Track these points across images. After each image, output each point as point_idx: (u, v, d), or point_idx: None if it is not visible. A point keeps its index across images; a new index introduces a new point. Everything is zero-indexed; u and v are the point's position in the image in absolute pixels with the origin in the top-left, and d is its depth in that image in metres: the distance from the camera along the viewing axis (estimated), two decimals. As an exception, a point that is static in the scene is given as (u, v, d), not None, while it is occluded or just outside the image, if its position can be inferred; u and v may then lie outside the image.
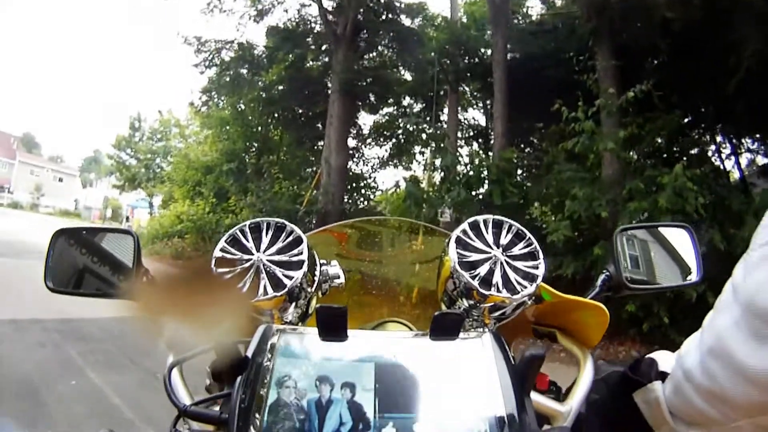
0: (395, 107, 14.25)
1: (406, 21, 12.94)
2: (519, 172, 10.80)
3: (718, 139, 9.39)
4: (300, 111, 14.21)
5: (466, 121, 13.75)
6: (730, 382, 0.52)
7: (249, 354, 0.60)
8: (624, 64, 7.53)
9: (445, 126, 11.75)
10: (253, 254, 0.71)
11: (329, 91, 12.13)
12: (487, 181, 8.32)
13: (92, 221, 33.55)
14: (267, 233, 0.74)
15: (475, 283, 0.70)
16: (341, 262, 0.83)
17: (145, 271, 0.81)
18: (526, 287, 0.70)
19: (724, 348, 0.52)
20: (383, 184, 14.57)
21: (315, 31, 13.45)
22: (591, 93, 7.19)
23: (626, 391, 0.67)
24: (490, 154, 9.61)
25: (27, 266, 8.67)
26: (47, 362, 4.33)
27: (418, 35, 12.29)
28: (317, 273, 0.77)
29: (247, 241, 0.73)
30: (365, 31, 12.75)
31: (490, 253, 0.72)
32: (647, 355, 0.68)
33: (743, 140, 9.57)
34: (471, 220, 0.76)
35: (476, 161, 8.66)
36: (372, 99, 13.70)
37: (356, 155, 14.61)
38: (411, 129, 13.21)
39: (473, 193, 8.48)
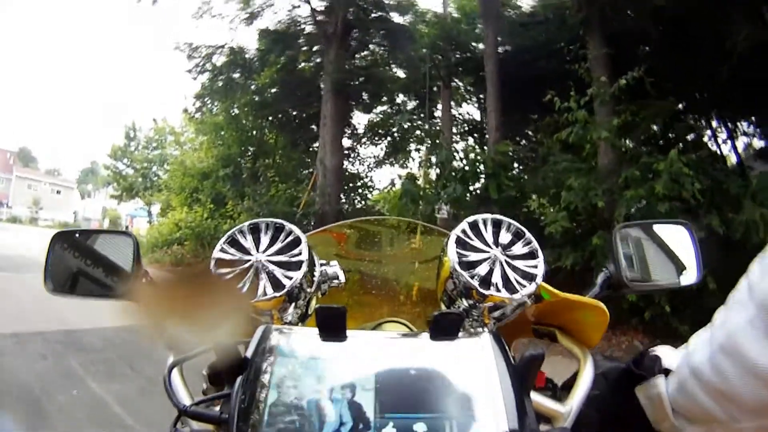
0: (389, 105, 14.24)
1: (396, 18, 12.92)
2: (516, 165, 10.81)
3: (714, 123, 9.41)
4: (294, 113, 14.23)
5: (460, 116, 13.73)
6: (740, 381, 0.51)
7: (248, 354, 0.60)
8: (616, 53, 7.53)
9: (439, 122, 11.74)
10: (252, 255, 0.71)
11: (322, 92, 12.11)
12: (483, 176, 8.29)
13: (92, 232, 33.52)
14: (266, 234, 0.75)
15: (475, 282, 0.70)
16: (341, 262, 0.84)
17: (145, 272, 0.82)
18: (525, 287, 0.70)
19: (736, 346, 0.51)
20: (380, 183, 14.55)
21: (306, 32, 13.43)
22: (583, 83, 7.19)
23: (628, 386, 0.67)
24: (486, 148, 9.59)
25: (27, 280, 8.79)
26: (49, 373, 4.37)
27: (409, 32, 12.26)
28: (317, 273, 0.78)
29: (247, 241, 0.73)
30: (356, 30, 12.72)
31: (489, 252, 0.73)
32: (650, 351, 0.68)
33: (739, 124, 9.59)
34: (470, 219, 0.76)
35: (471, 156, 8.64)
36: (365, 98, 13.71)
37: (352, 155, 14.64)
38: (405, 126, 13.22)
39: (470, 188, 8.47)
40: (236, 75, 13.77)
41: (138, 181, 27.09)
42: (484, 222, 0.76)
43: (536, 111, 9.73)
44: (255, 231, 0.75)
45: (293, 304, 0.71)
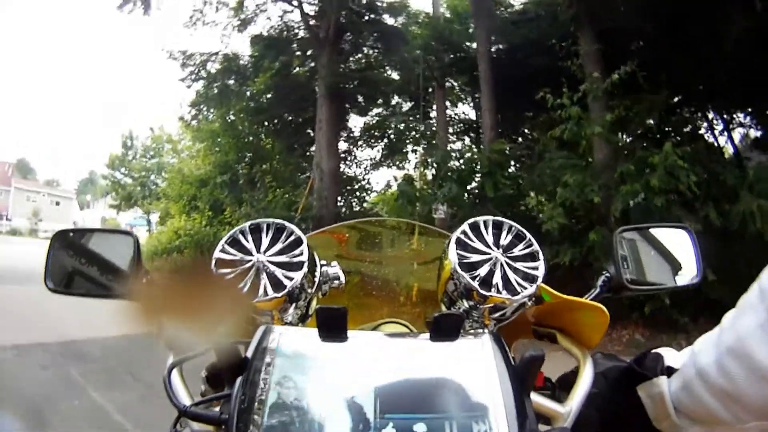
0: (384, 107, 14.24)
1: (389, 20, 12.94)
2: (512, 163, 10.82)
3: (710, 115, 9.41)
4: (290, 118, 14.22)
5: (456, 116, 13.75)
6: (747, 383, 0.52)
7: (249, 355, 0.60)
8: (608, 48, 7.55)
9: (434, 122, 11.75)
10: (253, 255, 0.71)
11: (317, 96, 12.11)
12: (479, 175, 8.30)
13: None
14: (267, 234, 0.74)
15: (475, 284, 0.70)
16: (341, 263, 0.83)
17: (146, 271, 0.81)
18: (526, 288, 0.70)
19: (745, 348, 0.52)
20: (378, 185, 14.54)
21: (299, 36, 13.46)
22: (577, 79, 7.20)
23: (629, 384, 0.67)
24: (482, 147, 9.60)
25: (29, 292, 8.86)
26: (50, 384, 4.39)
27: (402, 33, 12.28)
28: (317, 274, 0.77)
29: (247, 242, 0.73)
30: (349, 33, 12.77)
31: (490, 254, 0.73)
32: (652, 350, 0.68)
33: (735, 115, 9.59)
34: (471, 221, 0.76)
35: (466, 155, 8.65)
36: (360, 100, 13.72)
37: (348, 158, 14.62)
38: (401, 128, 13.23)
39: (467, 187, 8.48)
40: (231, 82, 13.78)
41: (136, 190, 27.13)
42: (485, 224, 0.76)
43: (531, 109, 9.77)
44: (256, 231, 0.75)
45: (294, 305, 0.71)
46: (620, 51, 7.61)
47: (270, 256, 0.71)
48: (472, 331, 0.68)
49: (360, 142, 14.81)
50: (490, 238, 0.75)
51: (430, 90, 12.02)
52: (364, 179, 14.61)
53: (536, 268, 0.72)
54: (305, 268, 0.71)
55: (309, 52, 13.32)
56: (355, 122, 14.65)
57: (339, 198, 12.72)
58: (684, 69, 7.75)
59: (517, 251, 0.74)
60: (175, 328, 0.59)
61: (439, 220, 8.43)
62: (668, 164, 5.97)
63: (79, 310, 7.21)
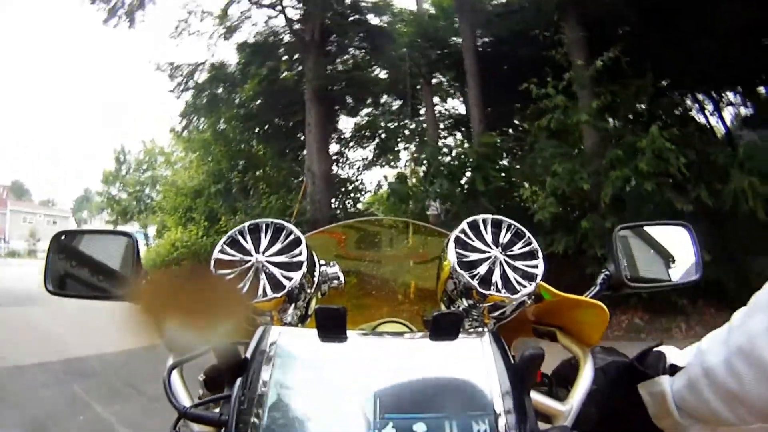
0: (374, 107, 14.27)
1: (373, 20, 12.97)
2: (505, 155, 10.83)
3: (701, 97, 9.44)
4: (281, 122, 14.24)
5: (446, 112, 13.77)
6: (755, 384, 0.52)
7: (248, 355, 0.60)
8: (594, 35, 7.57)
9: (423, 119, 11.76)
10: (252, 255, 0.71)
11: (305, 100, 12.12)
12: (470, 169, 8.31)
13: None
14: (266, 234, 0.74)
15: (475, 282, 0.70)
16: (340, 263, 0.84)
17: (145, 272, 0.81)
18: (525, 286, 0.70)
19: (755, 349, 0.52)
20: (371, 185, 14.52)
21: (284, 41, 13.47)
22: (562, 68, 7.20)
23: (630, 382, 0.68)
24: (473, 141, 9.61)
25: (29, 313, 9.05)
26: (54, 401, 4.42)
27: (388, 32, 12.31)
28: (316, 274, 0.76)
29: (246, 242, 0.73)
30: (334, 35, 12.77)
31: (489, 252, 0.73)
32: (654, 348, 0.69)
33: (724, 94, 9.64)
34: (470, 219, 0.76)
35: (455, 151, 8.66)
36: (349, 101, 13.74)
37: (340, 160, 14.63)
38: (392, 127, 13.25)
39: (460, 182, 8.48)
40: (219, 90, 13.81)
41: (132, 205, 27.08)
42: (484, 222, 0.76)
43: (520, 100, 9.77)
44: (255, 231, 0.74)
45: (293, 305, 0.71)
46: (605, 38, 7.62)
47: (269, 256, 0.71)
48: (471, 330, 0.68)
49: (351, 143, 14.84)
50: (489, 237, 0.75)
51: (418, 87, 12.04)
52: (357, 180, 14.60)
53: (535, 267, 0.72)
54: (304, 268, 0.71)
55: (295, 56, 13.32)
56: (346, 123, 14.68)
57: (333, 200, 12.72)
58: (671, 51, 7.77)
59: (517, 249, 0.74)
60: (175, 329, 0.58)
61: (433, 216, 8.44)
62: (656, 148, 5.97)
63: (78, 329, 7.34)
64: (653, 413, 0.65)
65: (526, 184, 8.76)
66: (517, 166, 9.36)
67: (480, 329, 0.67)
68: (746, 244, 6.53)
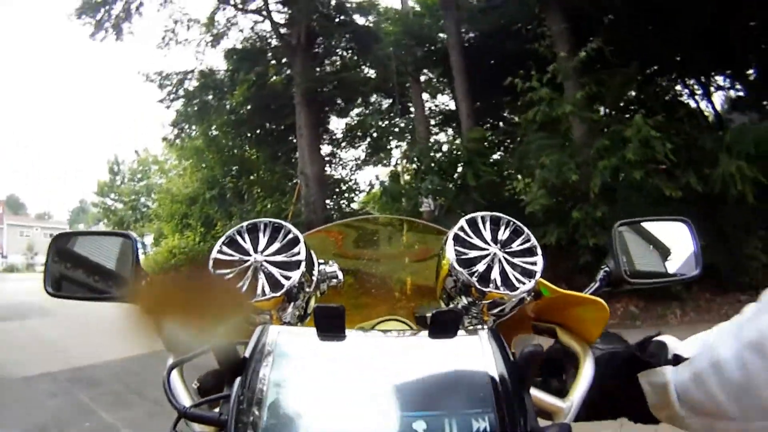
0: (364, 106, 14.28)
1: (359, 20, 12.98)
2: (497, 149, 10.84)
3: (691, 81, 9.42)
4: (272, 127, 14.22)
5: (437, 108, 13.75)
6: (765, 380, 0.52)
7: (247, 355, 0.59)
8: (578, 26, 7.53)
9: (413, 117, 11.76)
10: (250, 255, 0.70)
11: (295, 103, 12.12)
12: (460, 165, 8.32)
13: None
14: (264, 234, 0.73)
15: (474, 280, 0.69)
16: (339, 262, 0.83)
17: (144, 273, 0.80)
18: (524, 283, 0.70)
19: (767, 345, 0.52)
20: (365, 185, 14.48)
21: (272, 46, 13.46)
22: (547, 60, 7.21)
23: (630, 371, 0.67)
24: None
25: (31, 326, 9.28)
26: (61, 410, 4.49)
27: (374, 32, 12.30)
28: (315, 273, 0.76)
29: (245, 242, 0.72)
30: (321, 38, 12.79)
31: (488, 249, 0.72)
32: (654, 338, 0.69)
33: (713, 78, 9.60)
34: (468, 217, 0.76)
35: (445, 147, 8.66)
36: (339, 102, 13.73)
37: (333, 161, 14.64)
38: (383, 125, 13.23)
39: (452, 177, 8.49)
40: (209, 97, 13.80)
41: (128, 214, 27.04)
42: (483, 219, 0.75)
43: (508, 93, 9.78)
44: (253, 231, 0.73)
45: (292, 304, 0.70)
46: (590, 28, 7.61)
47: (267, 255, 0.70)
48: (471, 327, 0.67)
49: (343, 144, 14.84)
50: (487, 234, 0.74)
51: (407, 85, 12.03)
52: (350, 180, 14.61)
53: (535, 263, 0.72)
54: (303, 267, 0.70)
55: (283, 60, 13.33)
56: (337, 124, 14.65)
57: (327, 201, 12.71)
58: (657, 37, 7.76)
59: (515, 246, 0.73)
60: (175, 328, 0.60)
61: (427, 213, 8.45)
62: (642, 136, 5.98)
63: (80, 339, 7.38)
64: (652, 403, 0.65)
65: (519, 177, 8.78)
66: (510, 159, 9.35)
67: (479, 326, 0.66)
68: (738, 228, 6.54)
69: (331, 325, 0.60)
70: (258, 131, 14.39)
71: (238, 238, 0.72)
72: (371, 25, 12.79)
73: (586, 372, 0.68)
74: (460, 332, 0.62)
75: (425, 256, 1.23)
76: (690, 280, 0.90)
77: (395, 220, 1.67)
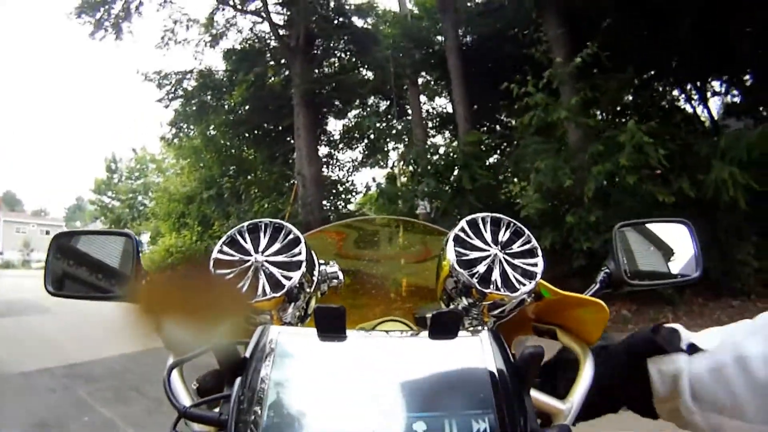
0: (362, 108, 14.30)
1: (358, 22, 13.02)
2: (494, 152, 10.88)
3: (688, 87, 9.43)
4: (270, 127, 14.20)
5: (434, 110, 13.79)
6: None
7: (248, 355, 0.59)
8: (575, 31, 7.56)
9: (411, 119, 11.78)
10: (251, 255, 0.70)
11: (293, 104, 12.14)
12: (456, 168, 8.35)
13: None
14: (265, 234, 0.73)
15: (474, 281, 0.69)
16: (340, 262, 0.83)
17: (145, 272, 0.81)
18: (525, 285, 0.69)
19: None
20: (362, 186, 14.50)
21: (270, 47, 13.48)
22: (543, 65, 7.24)
23: (639, 356, 0.66)
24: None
25: (28, 322, 9.29)
26: (59, 405, 4.51)
27: (372, 34, 12.35)
28: (316, 273, 0.76)
29: (245, 242, 0.72)
30: (319, 39, 12.81)
31: (488, 251, 0.72)
32: (665, 325, 0.67)
33: (709, 84, 9.59)
34: (469, 218, 0.76)
35: (442, 149, 8.69)
36: (337, 104, 13.75)
37: (331, 162, 14.65)
38: (381, 127, 13.24)
39: (448, 180, 8.52)
40: (208, 97, 13.83)
41: (125, 213, 26.97)
42: (483, 221, 0.76)
43: (505, 97, 9.81)
44: (254, 231, 0.74)
45: (292, 304, 0.70)
46: (585, 34, 7.62)
47: (268, 255, 0.71)
48: (471, 328, 0.67)
49: (341, 145, 14.86)
50: (488, 235, 0.74)
51: (405, 87, 12.04)
52: (347, 181, 14.62)
53: (535, 265, 0.72)
54: (303, 268, 0.70)
55: (282, 61, 13.35)
56: (334, 125, 14.69)
57: (324, 202, 12.71)
58: (654, 42, 7.78)
59: (516, 248, 0.73)
60: (175, 328, 0.60)
61: (423, 215, 8.46)
62: (635, 142, 6.01)
63: (77, 336, 7.40)
64: (657, 393, 0.63)
65: (515, 181, 8.81)
66: (506, 163, 9.38)
67: (480, 328, 0.65)
68: (730, 234, 6.58)
69: (331, 325, 0.60)
70: (256, 132, 14.39)
71: (239, 238, 0.72)
72: (370, 27, 12.83)
73: (586, 373, 0.68)
74: (461, 333, 0.62)
75: (425, 257, 1.23)
76: (691, 282, 0.89)
77: (396, 220, 1.65)
